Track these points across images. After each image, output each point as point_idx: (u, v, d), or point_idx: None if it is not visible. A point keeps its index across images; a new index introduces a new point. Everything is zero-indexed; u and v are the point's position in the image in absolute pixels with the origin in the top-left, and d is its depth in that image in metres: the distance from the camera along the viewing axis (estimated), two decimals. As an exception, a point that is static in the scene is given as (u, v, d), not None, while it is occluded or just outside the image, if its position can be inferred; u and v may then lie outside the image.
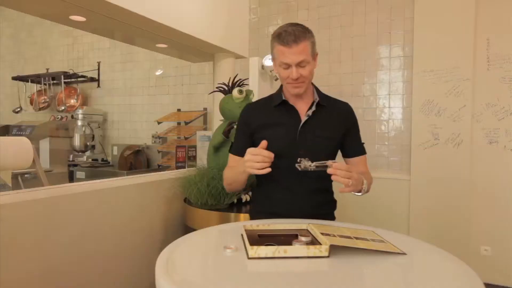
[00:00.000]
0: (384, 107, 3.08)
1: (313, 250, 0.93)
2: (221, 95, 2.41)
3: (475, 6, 2.71)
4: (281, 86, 1.45)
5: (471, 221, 2.77)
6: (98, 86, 4.75)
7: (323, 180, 1.28)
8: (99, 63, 4.72)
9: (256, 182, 1.53)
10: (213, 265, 0.94)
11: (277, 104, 1.40)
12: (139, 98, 4.48)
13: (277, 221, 1.28)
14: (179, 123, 3.86)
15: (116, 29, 2.69)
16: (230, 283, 0.82)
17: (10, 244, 1.37)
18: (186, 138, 3.47)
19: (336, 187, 1.36)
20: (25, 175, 2.51)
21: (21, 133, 3.48)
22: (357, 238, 1.02)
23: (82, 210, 1.67)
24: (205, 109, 3.90)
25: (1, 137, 1.53)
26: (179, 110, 4.03)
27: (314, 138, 1.37)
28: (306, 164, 1.19)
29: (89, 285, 1.71)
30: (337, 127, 1.43)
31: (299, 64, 1.28)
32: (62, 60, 4.99)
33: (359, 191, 1.29)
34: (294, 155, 1.25)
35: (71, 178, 3.60)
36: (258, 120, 1.42)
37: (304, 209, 1.37)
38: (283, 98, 1.40)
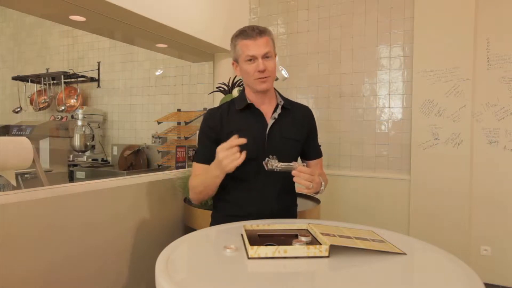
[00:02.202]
0: (384, 107, 3.08)
1: (313, 250, 0.93)
2: (221, 95, 2.42)
3: (475, 6, 2.71)
4: (243, 91, 1.47)
5: (471, 221, 2.77)
6: (98, 86, 4.75)
7: (290, 180, 1.29)
8: (99, 63, 4.71)
9: (220, 186, 1.51)
10: (213, 265, 0.94)
11: (242, 108, 1.40)
12: (139, 98, 4.48)
13: (277, 221, 1.28)
14: (179, 123, 3.85)
15: (116, 29, 2.69)
16: (230, 283, 0.82)
17: (10, 244, 1.37)
18: (186, 138, 3.47)
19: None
20: (25, 175, 2.51)
21: (21, 133, 3.47)
22: (357, 238, 1.02)
23: (82, 210, 1.67)
24: (205, 109, 3.90)
25: (1, 137, 1.53)
26: (179, 110, 4.02)
27: (282, 140, 1.39)
28: (273, 163, 1.19)
29: (89, 285, 1.71)
30: (301, 130, 1.46)
31: (264, 56, 1.31)
32: (62, 60, 4.99)
33: (317, 192, 1.33)
34: (262, 157, 1.24)
35: (71, 178, 3.59)
36: (225, 125, 1.39)
37: (273, 210, 1.38)
38: (248, 101, 1.40)
